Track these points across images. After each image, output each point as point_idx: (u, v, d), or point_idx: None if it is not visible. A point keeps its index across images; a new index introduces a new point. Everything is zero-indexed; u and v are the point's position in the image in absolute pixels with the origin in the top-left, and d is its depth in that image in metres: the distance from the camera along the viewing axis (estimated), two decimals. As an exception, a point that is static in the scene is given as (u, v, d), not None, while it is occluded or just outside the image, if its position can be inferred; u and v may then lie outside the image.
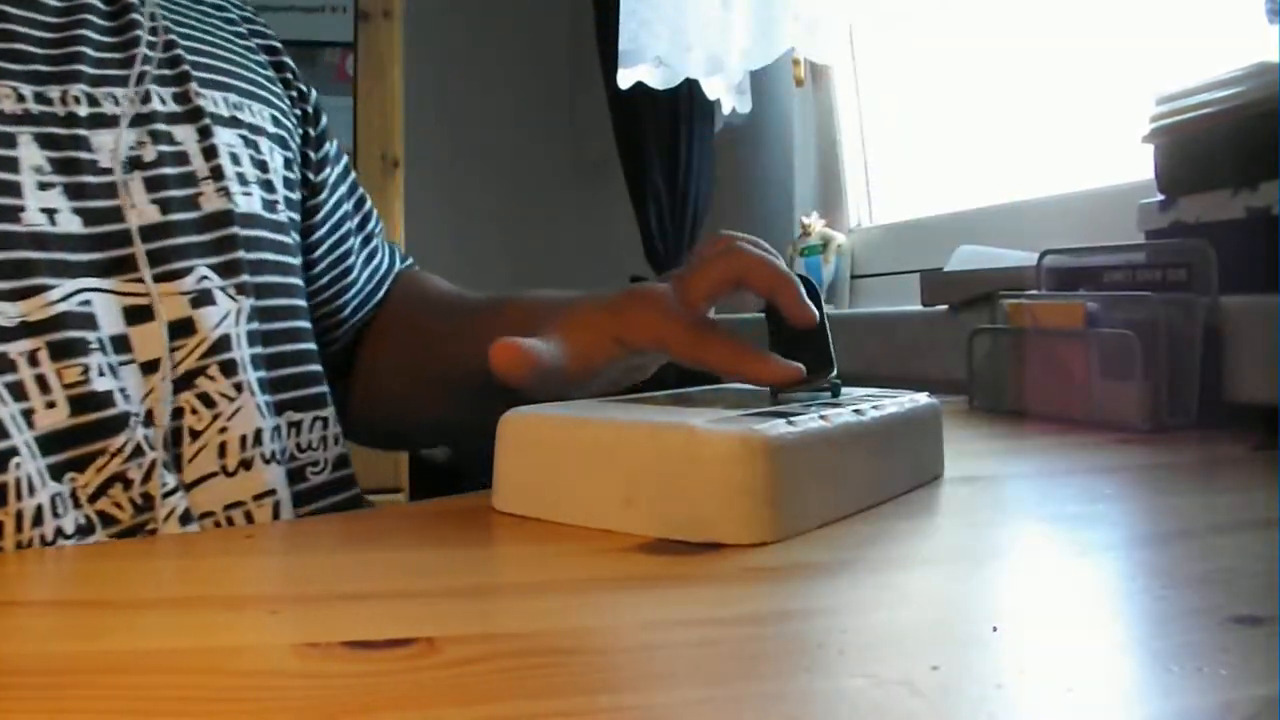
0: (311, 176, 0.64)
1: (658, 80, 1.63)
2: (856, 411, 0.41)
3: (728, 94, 1.61)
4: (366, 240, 0.70)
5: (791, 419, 0.38)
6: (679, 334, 0.46)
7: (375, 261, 0.71)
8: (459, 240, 2.35)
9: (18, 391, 0.43)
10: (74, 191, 0.47)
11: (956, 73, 1.44)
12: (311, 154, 0.64)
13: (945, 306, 1.02)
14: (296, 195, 0.61)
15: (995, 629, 0.27)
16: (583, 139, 2.38)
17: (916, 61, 1.54)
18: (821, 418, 0.39)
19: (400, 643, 0.25)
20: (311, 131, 0.65)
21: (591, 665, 0.25)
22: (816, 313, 0.46)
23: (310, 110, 0.66)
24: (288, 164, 0.59)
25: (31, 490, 0.42)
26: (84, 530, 0.43)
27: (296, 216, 0.60)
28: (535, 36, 2.43)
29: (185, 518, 0.46)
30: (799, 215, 1.63)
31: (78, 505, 0.44)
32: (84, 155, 0.48)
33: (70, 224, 0.46)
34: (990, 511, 0.43)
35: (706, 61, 1.57)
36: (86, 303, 0.45)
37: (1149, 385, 0.64)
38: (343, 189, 0.68)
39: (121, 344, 0.46)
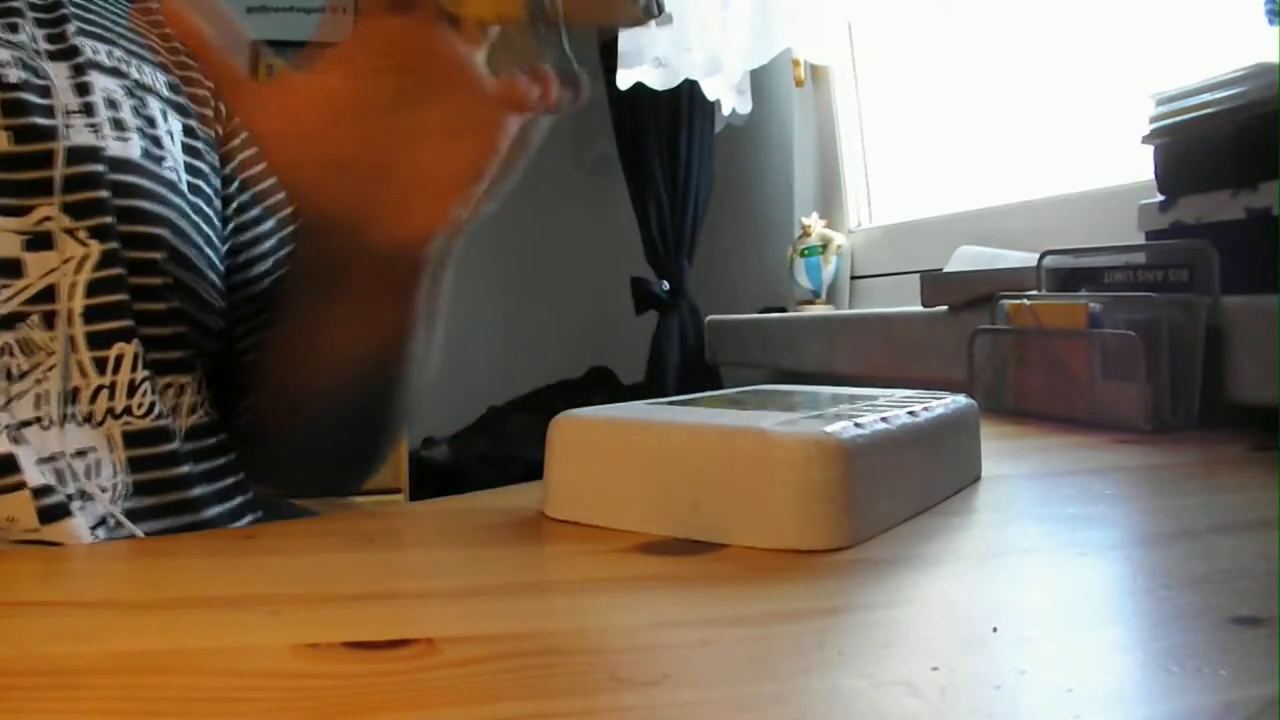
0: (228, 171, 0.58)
1: (657, 81, 1.63)
2: (910, 413, 0.40)
3: (727, 94, 1.61)
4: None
5: (857, 421, 0.37)
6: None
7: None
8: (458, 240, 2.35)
9: None
10: None
11: (956, 72, 1.44)
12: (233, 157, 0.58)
13: (945, 307, 1.02)
14: (205, 165, 0.55)
15: (995, 629, 0.27)
16: (583, 139, 2.38)
17: (916, 61, 1.54)
18: (883, 419, 0.38)
19: (400, 643, 0.25)
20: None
21: (591, 665, 0.25)
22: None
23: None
24: (188, 131, 0.54)
25: None
26: None
27: (201, 184, 0.55)
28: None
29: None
30: (799, 215, 1.63)
31: None
32: None
33: None
34: (990, 511, 0.43)
35: (706, 62, 1.57)
36: None
37: (1151, 385, 0.64)
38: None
39: None
